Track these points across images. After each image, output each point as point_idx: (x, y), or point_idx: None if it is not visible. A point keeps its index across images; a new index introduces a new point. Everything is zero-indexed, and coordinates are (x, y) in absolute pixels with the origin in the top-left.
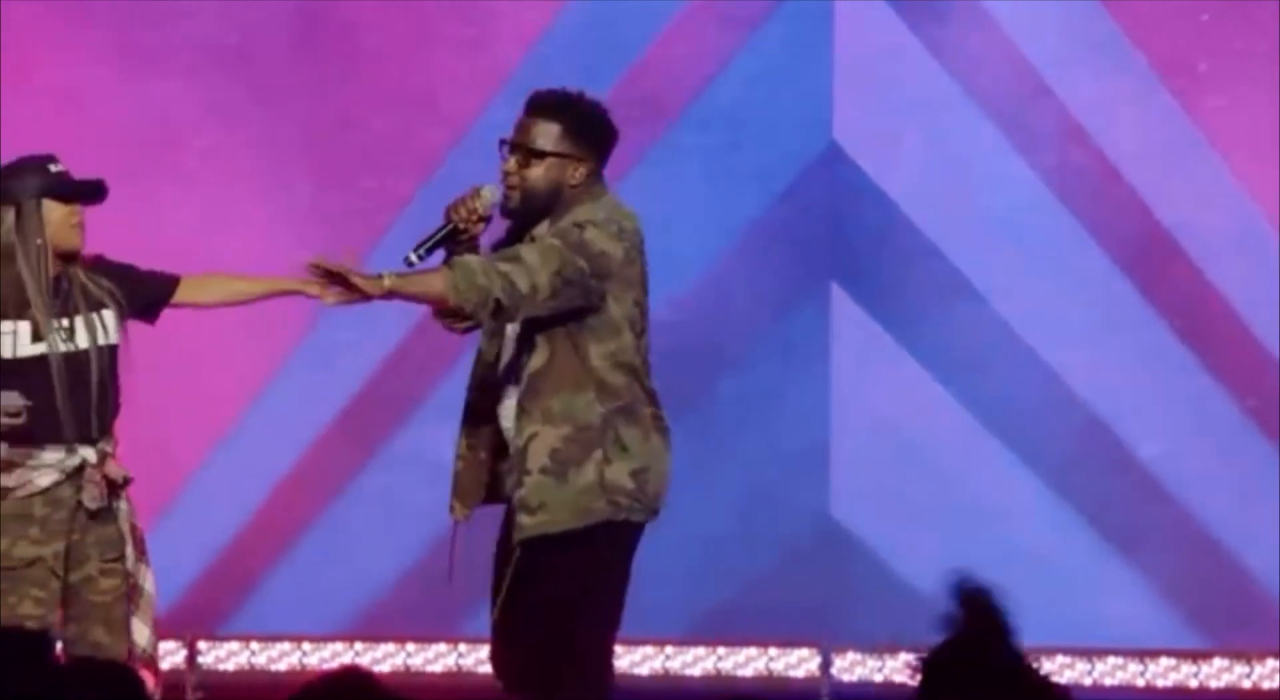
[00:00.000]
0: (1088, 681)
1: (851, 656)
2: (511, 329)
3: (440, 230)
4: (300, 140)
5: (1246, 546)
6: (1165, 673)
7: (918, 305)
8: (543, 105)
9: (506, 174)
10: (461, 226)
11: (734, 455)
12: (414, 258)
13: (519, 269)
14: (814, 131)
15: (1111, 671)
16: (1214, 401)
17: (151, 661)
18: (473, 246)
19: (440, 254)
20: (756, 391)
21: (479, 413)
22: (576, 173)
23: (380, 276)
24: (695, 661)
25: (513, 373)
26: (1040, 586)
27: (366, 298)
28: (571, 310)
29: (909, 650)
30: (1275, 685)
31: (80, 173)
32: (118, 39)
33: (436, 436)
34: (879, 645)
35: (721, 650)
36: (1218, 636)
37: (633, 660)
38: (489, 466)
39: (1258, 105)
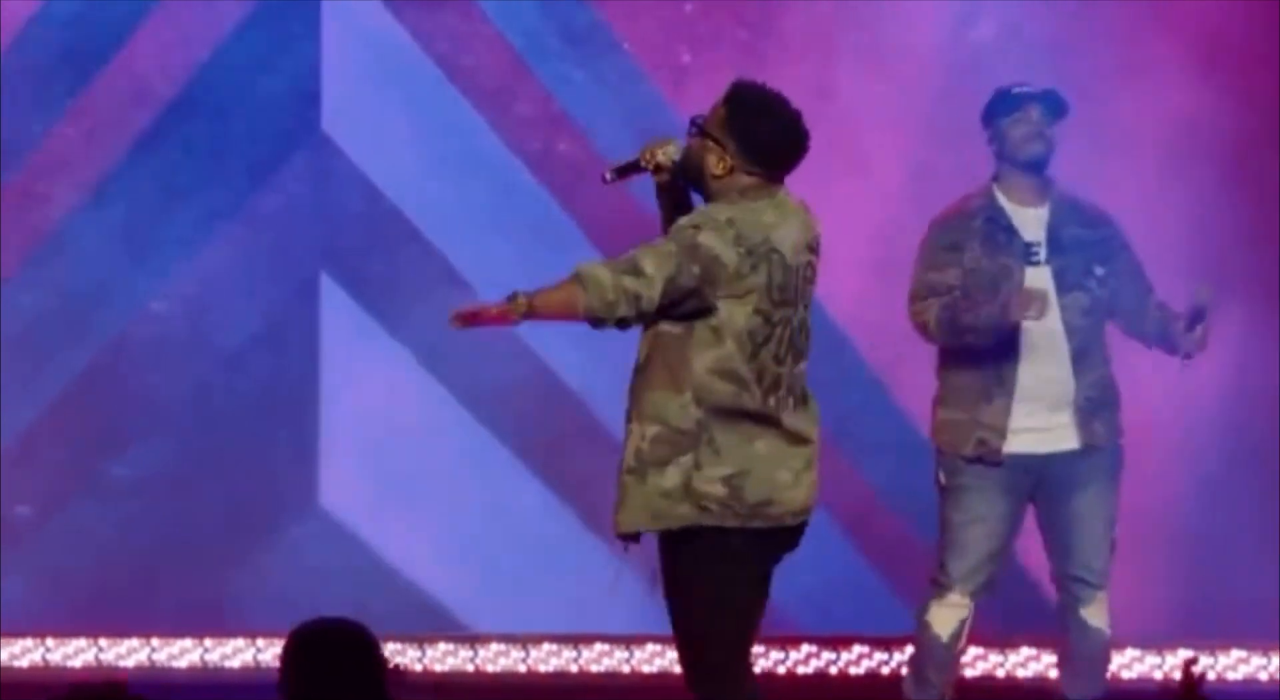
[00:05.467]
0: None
1: None
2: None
3: (628, 162)
4: None
5: None
6: (650, 659)
7: (407, 294)
8: (725, 91)
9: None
10: (643, 165)
11: (225, 447)
12: (608, 176)
13: (641, 282)
14: (301, 121)
15: (598, 658)
16: None
17: None
18: (663, 189)
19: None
20: (246, 384)
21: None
22: (721, 164)
23: (516, 299)
24: (182, 654)
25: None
26: (541, 573)
27: (509, 322)
28: (684, 312)
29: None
30: (758, 669)
31: None
32: None
33: None
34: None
35: (209, 642)
36: None
37: (119, 653)
38: None
39: None
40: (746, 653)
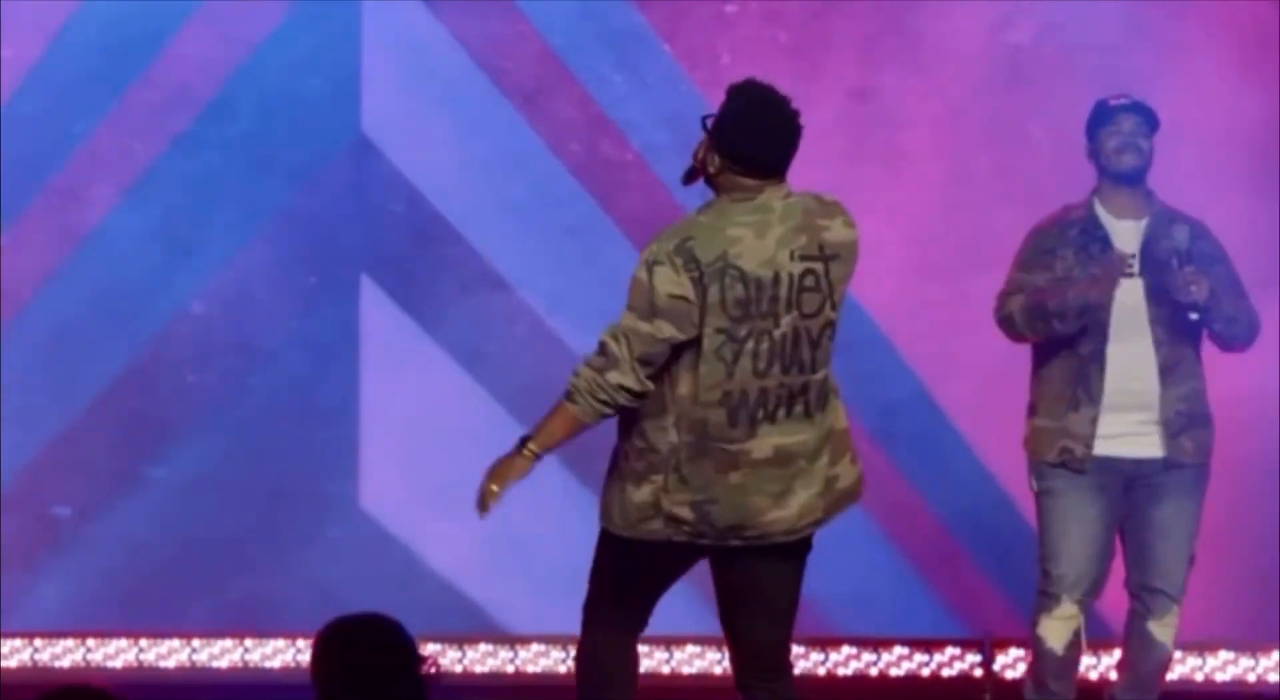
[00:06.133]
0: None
1: None
2: None
3: (689, 166)
4: None
5: None
6: (690, 660)
7: (447, 296)
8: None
9: None
10: (696, 166)
11: (264, 448)
12: (682, 181)
13: (620, 372)
14: (341, 122)
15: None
16: None
17: None
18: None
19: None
20: (286, 385)
21: None
22: (714, 161)
23: (525, 447)
24: (223, 653)
25: None
26: (581, 574)
27: (528, 471)
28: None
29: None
30: (798, 671)
31: None
32: None
33: None
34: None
35: (249, 642)
36: None
37: (159, 653)
38: None
39: None
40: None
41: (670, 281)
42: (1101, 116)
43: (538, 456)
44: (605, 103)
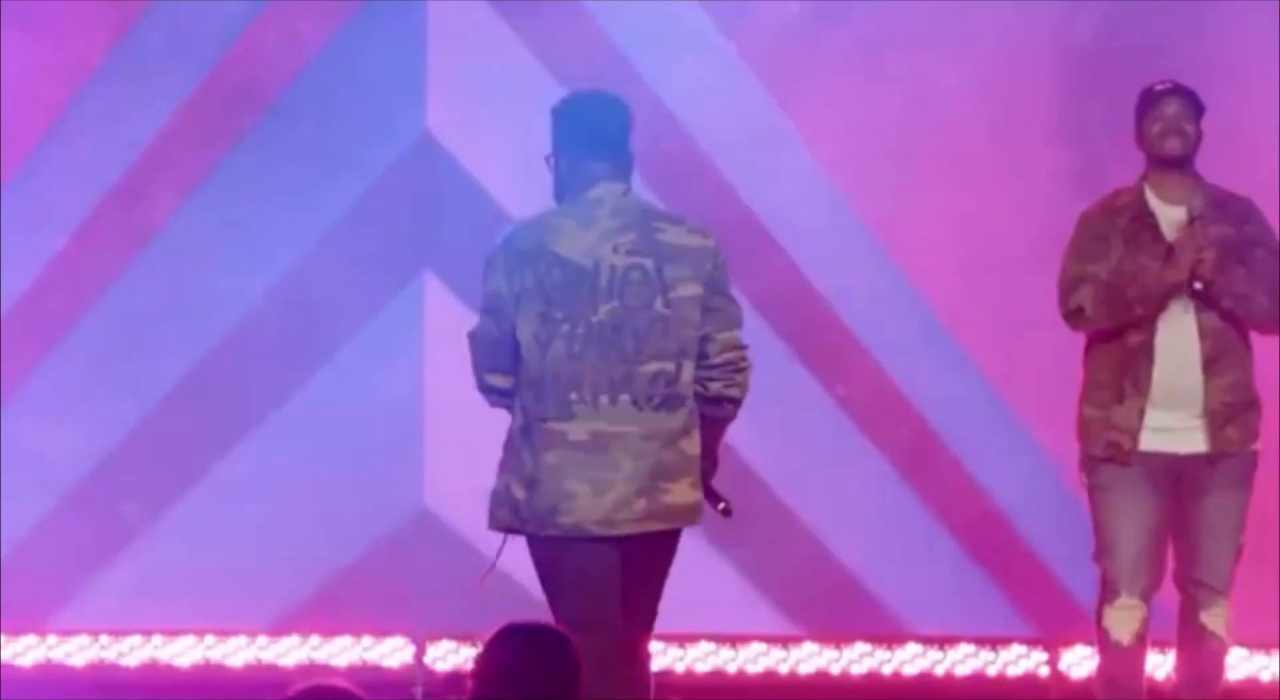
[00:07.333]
0: (679, 668)
1: (445, 645)
2: None
3: None
4: None
5: (835, 534)
6: (755, 658)
7: None
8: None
9: None
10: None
11: (329, 446)
12: None
13: (470, 350)
14: (407, 120)
15: (704, 657)
16: (805, 389)
17: None
18: None
19: None
20: (350, 383)
21: None
22: (559, 167)
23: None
24: (289, 651)
25: None
26: None
27: None
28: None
29: None
30: (864, 669)
31: None
32: None
33: None
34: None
35: (315, 640)
36: (807, 622)
37: (226, 651)
38: None
39: (846, 97)
40: None
41: (492, 277)
42: (1146, 102)
43: None
44: (670, 102)
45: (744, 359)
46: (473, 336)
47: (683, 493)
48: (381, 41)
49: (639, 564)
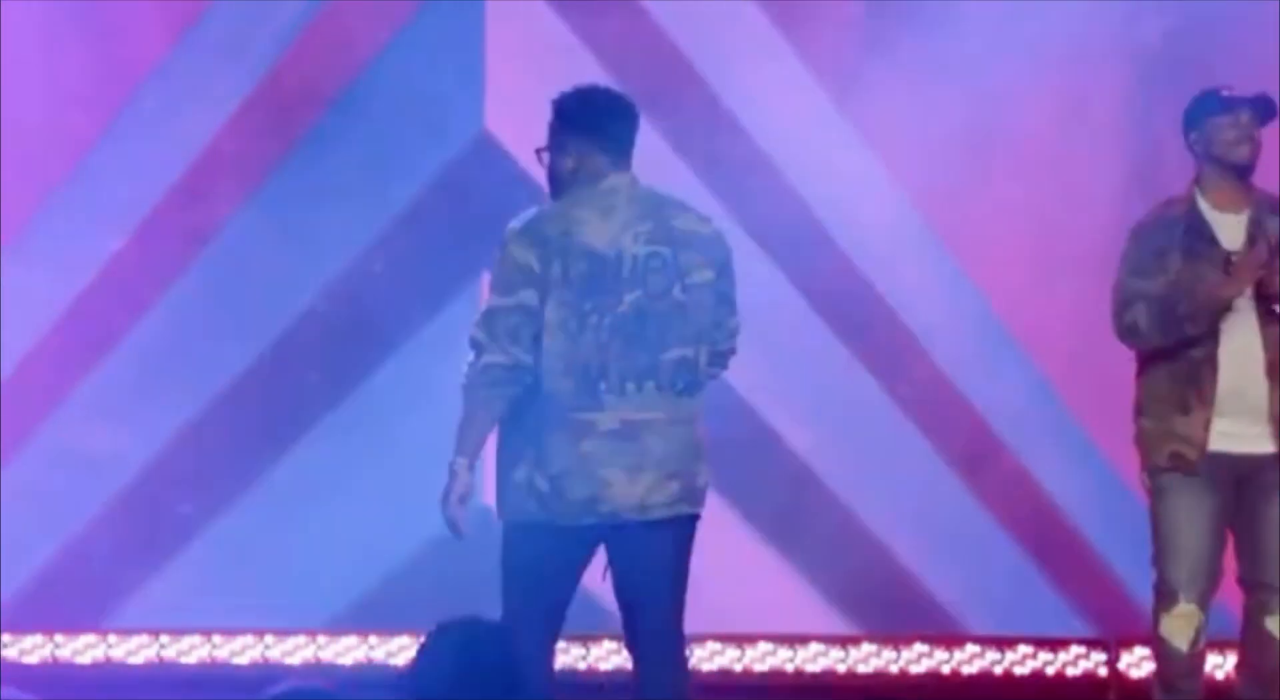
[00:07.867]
0: (738, 668)
1: None
2: None
3: None
4: None
5: (894, 534)
6: (814, 658)
7: None
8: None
9: None
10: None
11: (387, 446)
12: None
13: (488, 352)
14: (466, 120)
15: (761, 657)
16: (865, 390)
17: None
18: None
19: None
20: (408, 384)
21: None
22: (567, 163)
23: (453, 467)
24: (347, 651)
25: None
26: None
27: (469, 481)
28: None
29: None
30: (922, 669)
31: None
32: None
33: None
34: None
35: (374, 639)
36: (865, 622)
37: (284, 650)
38: None
39: (907, 97)
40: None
41: (519, 250)
42: (1214, 107)
43: (470, 466)
44: (731, 103)
45: (735, 347)
46: (496, 312)
47: (706, 476)
48: (440, 42)
49: (671, 548)
